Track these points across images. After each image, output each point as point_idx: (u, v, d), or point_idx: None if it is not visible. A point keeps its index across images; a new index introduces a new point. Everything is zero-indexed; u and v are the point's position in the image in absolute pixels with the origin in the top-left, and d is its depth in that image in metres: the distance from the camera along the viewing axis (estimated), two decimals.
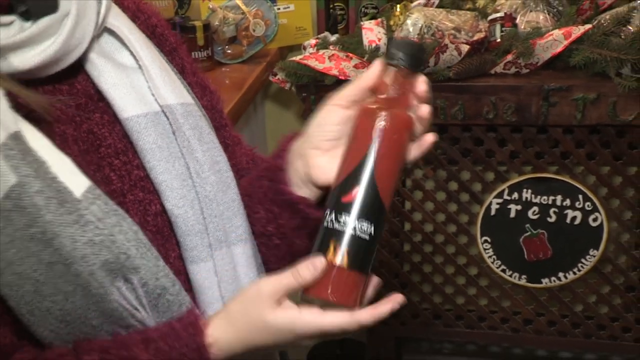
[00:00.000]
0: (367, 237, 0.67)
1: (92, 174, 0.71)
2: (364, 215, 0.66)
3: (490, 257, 1.67)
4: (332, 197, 0.69)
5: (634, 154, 1.50)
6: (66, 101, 0.74)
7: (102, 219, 0.66)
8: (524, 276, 1.67)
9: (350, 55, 1.54)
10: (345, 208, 0.67)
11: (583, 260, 1.62)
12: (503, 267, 1.67)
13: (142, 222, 0.74)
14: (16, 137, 0.64)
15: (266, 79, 1.77)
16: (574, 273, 1.63)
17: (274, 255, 0.83)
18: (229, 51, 1.76)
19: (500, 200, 1.63)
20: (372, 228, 0.67)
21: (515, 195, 1.61)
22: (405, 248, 1.73)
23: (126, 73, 0.76)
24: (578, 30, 1.46)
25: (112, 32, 0.77)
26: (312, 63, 1.54)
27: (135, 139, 0.75)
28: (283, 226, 0.82)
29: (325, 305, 0.66)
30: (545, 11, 1.60)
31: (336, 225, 0.67)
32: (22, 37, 0.66)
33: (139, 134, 0.75)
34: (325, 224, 0.68)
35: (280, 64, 1.65)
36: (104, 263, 0.66)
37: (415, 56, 0.69)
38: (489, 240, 1.66)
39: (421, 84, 0.70)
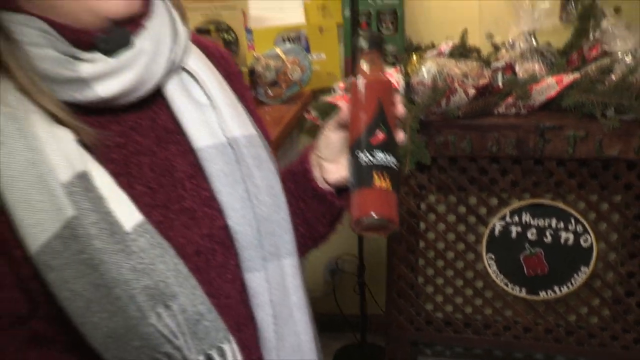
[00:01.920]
0: (395, 166, 0.76)
1: (168, 193, 0.75)
2: (391, 150, 0.76)
3: (494, 272, 1.68)
4: (359, 144, 0.77)
5: (618, 184, 1.54)
6: (133, 135, 0.75)
7: (147, 249, 0.67)
8: (523, 289, 1.68)
9: None
10: (378, 147, 0.76)
11: (575, 276, 1.64)
12: (505, 280, 1.68)
13: (210, 234, 0.76)
14: (82, 176, 0.66)
15: (301, 117, 1.82)
16: (568, 287, 1.65)
17: (298, 242, 0.87)
18: (270, 93, 1.81)
19: (502, 223, 1.65)
20: (396, 159, 0.77)
21: (516, 218, 1.64)
22: (420, 263, 1.75)
23: (201, 110, 0.79)
24: (568, 78, 1.52)
25: (190, 73, 0.80)
26: (341, 103, 1.60)
27: (205, 166, 0.77)
28: (309, 218, 0.88)
29: (378, 222, 0.73)
30: (540, 61, 1.65)
31: (374, 161, 0.75)
32: (106, 68, 0.69)
33: (208, 162, 0.77)
34: (362, 162, 0.76)
35: (313, 103, 1.72)
36: (144, 288, 0.66)
37: (374, 40, 0.82)
38: (493, 257, 1.68)
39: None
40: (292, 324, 0.81)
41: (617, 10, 1.68)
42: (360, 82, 0.79)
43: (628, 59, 1.55)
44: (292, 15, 2.03)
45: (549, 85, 1.54)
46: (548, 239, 1.63)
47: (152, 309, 0.66)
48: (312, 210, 0.87)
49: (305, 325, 0.82)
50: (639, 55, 1.57)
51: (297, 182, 0.87)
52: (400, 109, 0.79)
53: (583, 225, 1.60)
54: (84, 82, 0.68)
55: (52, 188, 0.64)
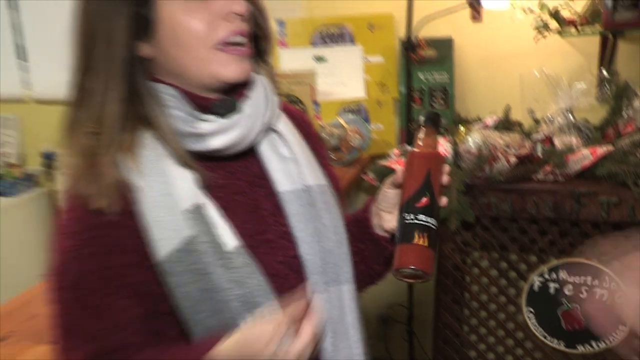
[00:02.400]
0: (435, 227, 0.84)
1: (255, 226, 0.87)
2: (432, 214, 0.85)
3: (533, 324, 1.72)
4: (406, 206, 0.86)
5: None
6: (231, 179, 0.87)
7: (241, 267, 0.80)
8: (562, 342, 1.71)
9: None
10: (421, 210, 0.85)
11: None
12: (544, 333, 1.72)
13: (284, 260, 0.87)
14: (198, 207, 0.81)
15: (360, 178, 1.96)
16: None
17: (358, 279, 0.96)
18: (333, 156, 1.97)
19: (541, 279, 1.71)
20: (435, 221, 0.85)
21: (554, 275, 1.69)
22: (465, 313, 1.81)
23: (284, 162, 0.91)
24: (602, 150, 1.63)
25: (278, 133, 0.93)
26: (395, 166, 1.74)
27: (284, 207, 0.89)
28: (367, 257, 0.98)
29: (414, 272, 0.83)
30: (577, 135, 1.75)
31: (416, 221, 0.84)
32: (218, 127, 0.84)
33: (287, 203, 0.90)
34: (407, 221, 0.85)
35: (371, 167, 1.85)
36: (237, 296, 0.79)
37: (431, 118, 0.91)
38: (532, 310, 1.72)
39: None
40: (346, 339, 0.91)
41: None
42: (415, 152, 0.90)
43: None
44: (354, 90, 2.21)
45: (584, 156, 1.64)
46: (584, 295, 1.67)
47: (241, 313, 0.80)
48: (369, 251, 0.99)
49: (357, 341, 0.93)
50: None
51: (359, 227, 0.99)
52: (446, 179, 0.89)
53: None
54: (201, 136, 0.83)
55: (177, 213, 0.79)
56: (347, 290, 0.92)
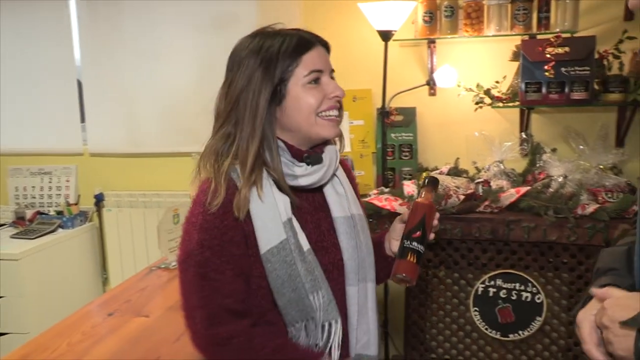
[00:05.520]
0: (422, 250, 1.04)
1: (317, 237, 1.05)
2: (422, 243, 1.04)
3: (478, 319, 2.04)
4: (406, 235, 1.04)
5: (558, 260, 1.95)
6: (304, 204, 1.03)
7: (311, 262, 0.99)
8: (498, 332, 2.03)
9: (397, 198, 2.04)
10: (415, 239, 1.03)
11: (533, 323, 1.99)
12: (486, 326, 2.04)
13: (333, 262, 1.06)
14: (290, 220, 0.98)
15: None
16: (528, 331, 2.00)
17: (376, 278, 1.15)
18: None
19: (483, 285, 2.03)
20: (423, 247, 1.04)
21: (492, 282, 2.02)
22: (428, 313, 2.11)
23: (339, 197, 1.09)
24: (523, 190, 2.01)
25: (337, 177, 1.10)
26: (376, 202, 2.05)
27: (337, 227, 1.07)
28: (379, 267, 1.17)
29: (404, 278, 1.02)
30: (506, 179, 2.15)
31: (411, 246, 1.03)
32: (307, 171, 1.02)
33: (338, 224, 1.07)
34: (404, 245, 1.03)
35: None
36: (309, 280, 0.97)
37: (432, 181, 1.10)
38: (477, 309, 2.05)
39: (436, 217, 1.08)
40: (366, 318, 1.12)
41: (553, 150, 2.20)
42: (417, 202, 1.11)
43: (560, 179, 2.06)
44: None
45: (511, 194, 2.02)
46: (514, 297, 2.01)
47: (311, 293, 0.99)
48: (380, 263, 1.18)
49: (373, 321, 1.15)
50: (568, 178, 2.07)
51: (377, 248, 1.19)
52: (436, 222, 1.10)
53: (537, 287, 1.99)
54: (295, 176, 1.03)
55: (278, 223, 0.99)
56: (370, 286, 1.13)
